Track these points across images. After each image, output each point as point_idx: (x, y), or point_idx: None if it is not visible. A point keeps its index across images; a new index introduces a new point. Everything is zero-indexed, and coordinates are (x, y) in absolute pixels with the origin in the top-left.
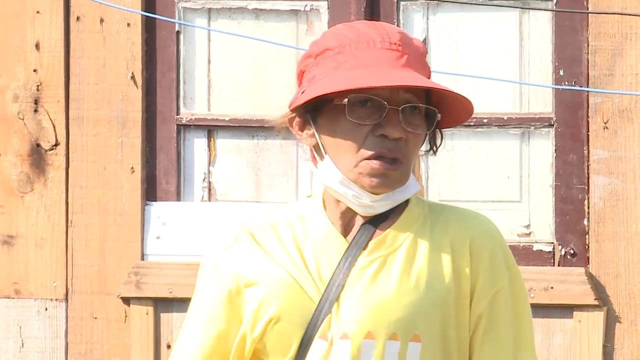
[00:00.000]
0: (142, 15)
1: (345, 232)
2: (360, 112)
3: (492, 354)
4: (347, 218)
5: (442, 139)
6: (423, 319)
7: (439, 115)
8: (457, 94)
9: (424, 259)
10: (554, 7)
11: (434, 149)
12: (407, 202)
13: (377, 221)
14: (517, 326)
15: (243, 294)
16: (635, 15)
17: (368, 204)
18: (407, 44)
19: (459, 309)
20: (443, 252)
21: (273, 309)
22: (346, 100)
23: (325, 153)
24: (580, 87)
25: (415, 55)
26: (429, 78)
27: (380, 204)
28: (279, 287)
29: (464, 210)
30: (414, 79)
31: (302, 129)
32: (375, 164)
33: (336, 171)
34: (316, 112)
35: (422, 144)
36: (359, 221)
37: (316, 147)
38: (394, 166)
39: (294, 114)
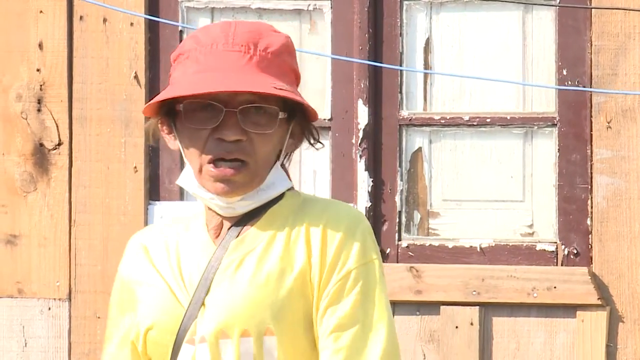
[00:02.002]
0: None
1: (216, 235)
2: (200, 117)
3: (334, 326)
4: (216, 221)
5: (317, 133)
6: (272, 312)
7: (281, 114)
8: (292, 97)
9: (278, 254)
10: (558, 3)
11: (314, 144)
12: (280, 198)
13: (244, 222)
14: (366, 308)
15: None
16: (639, 10)
17: (224, 205)
18: (253, 44)
19: (312, 300)
20: (297, 245)
21: (149, 319)
22: (181, 106)
23: (185, 157)
24: (584, 87)
25: (264, 55)
26: (288, 76)
27: (240, 204)
28: (155, 296)
29: (331, 201)
30: (244, 82)
31: (169, 132)
32: (213, 170)
33: (192, 176)
34: (174, 117)
35: (282, 140)
36: (226, 223)
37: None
38: (236, 170)
39: (160, 119)
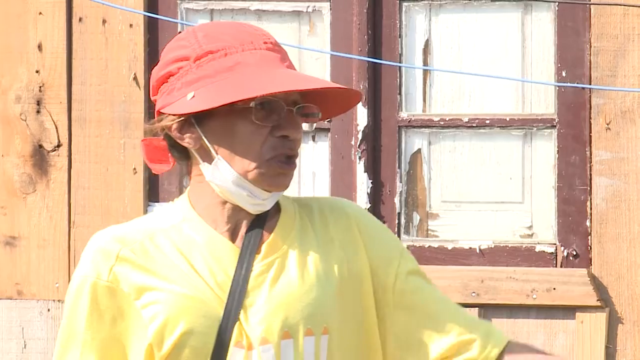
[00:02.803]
0: (144, 16)
1: (231, 237)
2: (261, 114)
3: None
4: (233, 221)
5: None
6: (328, 311)
7: (319, 114)
8: (351, 90)
9: (316, 253)
10: (558, 0)
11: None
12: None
13: (260, 223)
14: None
15: (134, 317)
16: (638, 6)
17: (260, 202)
18: (280, 45)
19: (360, 294)
20: (330, 244)
21: (180, 326)
22: (253, 103)
23: (217, 154)
24: (583, 88)
25: (287, 55)
26: None
27: (269, 200)
28: (180, 302)
29: (325, 197)
30: (316, 80)
31: (181, 131)
32: (278, 165)
33: (230, 172)
34: (204, 115)
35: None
36: (244, 224)
37: (199, 150)
38: (292, 166)
39: (178, 118)
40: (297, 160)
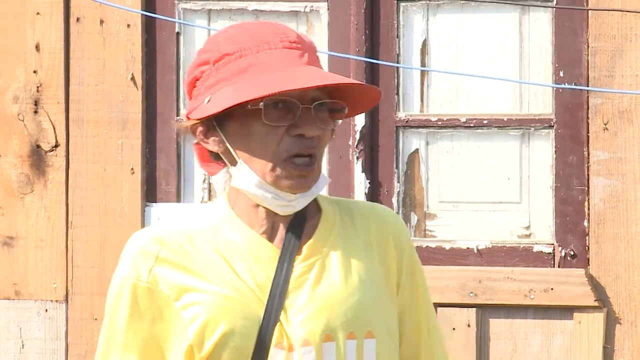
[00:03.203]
0: (142, 16)
1: (270, 238)
2: (274, 114)
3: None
4: (269, 222)
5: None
6: (372, 314)
7: (346, 109)
8: (367, 85)
9: (358, 256)
10: (554, 4)
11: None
12: (315, 198)
13: (300, 223)
14: (428, 312)
15: (174, 317)
16: (635, 12)
17: (287, 203)
18: (302, 41)
19: (394, 302)
20: (371, 248)
21: (221, 327)
22: (262, 104)
23: (238, 157)
24: (581, 89)
25: (311, 50)
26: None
27: (299, 201)
28: (220, 303)
29: (368, 203)
30: (328, 77)
31: (207, 135)
32: (293, 166)
33: (252, 175)
34: (224, 118)
35: (330, 139)
36: (282, 225)
37: (225, 153)
38: (311, 166)
39: (196, 122)
40: (316, 161)
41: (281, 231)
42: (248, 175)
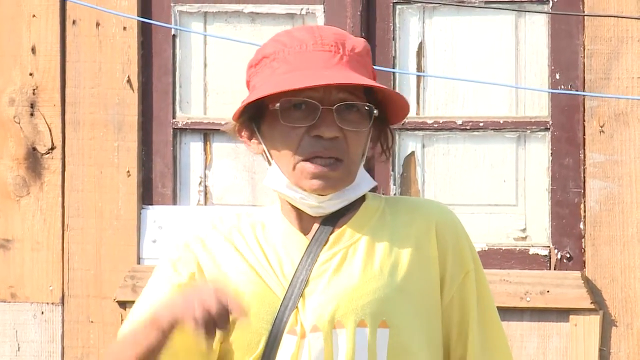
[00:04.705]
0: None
1: (305, 231)
2: (295, 115)
3: (466, 341)
4: (305, 219)
5: (392, 140)
6: (389, 305)
7: (375, 111)
8: (389, 90)
9: (386, 248)
10: (550, 9)
11: (386, 151)
12: (363, 198)
13: (335, 218)
14: (484, 314)
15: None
16: (630, 17)
17: (316, 204)
18: (341, 44)
19: (429, 297)
20: (406, 242)
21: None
22: (278, 104)
23: (271, 158)
24: (577, 90)
25: (352, 54)
26: (372, 78)
27: (329, 204)
28: (246, 284)
29: (421, 199)
30: (342, 77)
31: (250, 137)
32: (310, 166)
33: (282, 176)
34: (258, 120)
35: (369, 139)
36: (317, 220)
37: (264, 155)
38: (332, 167)
39: (239, 124)
40: (340, 163)
41: (315, 225)
42: (279, 177)
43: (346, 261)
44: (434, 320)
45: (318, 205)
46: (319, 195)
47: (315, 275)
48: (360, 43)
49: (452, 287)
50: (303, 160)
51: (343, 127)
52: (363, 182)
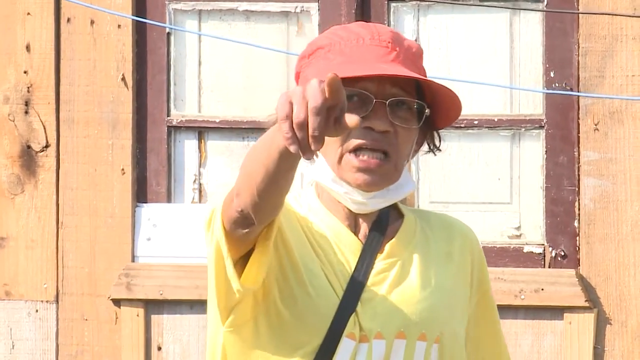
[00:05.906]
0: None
1: (354, 231)
2: (347, 106)
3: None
4: (353, 217)
5: (439, 139)
6: (443, 320)
7: (427, 110)
8: (445, 87)
9: (434, 264)
10: (545, 7)
11: (433, 149)
12: (395, 205)
13: (383, 223)
14: (495, 331)
15: (288, 241)
16: (625, 15)
17: (360, 201)
18: (397, 42)
19: (466, 313)
20: (450, 259)
21: (308, 286)
22: None
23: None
24: (571, 89)
25: (407, 53)
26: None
27: (373, 202)
28: (314, 264)
29: (446, 215)
30: (398, 71)
31: None
32: (355, 159)
33: (328, 169)
34: None
35: (415, 140)
36: (365, 222)
37: None
38: (379, 161)
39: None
40: (388, 158)
41: (364, 228)
42: (325, 170)
43: (404, 272)
44: (465, 335)
45: (362, 201)
46: (364, 191)
47: (374, 282)
48: (415, 44)
49: (471, 304)
50: (350, 152)
51: (394, 122)
52: (406, 183)
